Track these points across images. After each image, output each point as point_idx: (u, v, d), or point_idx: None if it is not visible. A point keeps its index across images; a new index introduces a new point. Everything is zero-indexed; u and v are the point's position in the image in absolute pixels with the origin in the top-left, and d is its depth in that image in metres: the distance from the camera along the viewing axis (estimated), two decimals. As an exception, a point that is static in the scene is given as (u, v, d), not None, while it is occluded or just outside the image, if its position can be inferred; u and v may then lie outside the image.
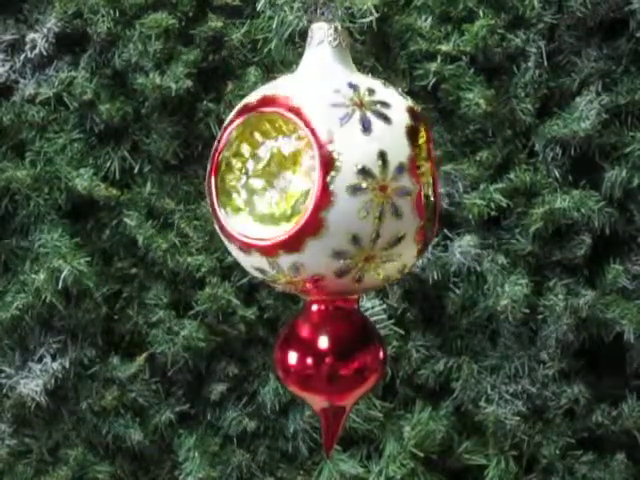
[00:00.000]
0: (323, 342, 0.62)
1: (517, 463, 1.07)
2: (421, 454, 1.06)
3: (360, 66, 0.66)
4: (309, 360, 0.62)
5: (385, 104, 0.60)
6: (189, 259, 1.05)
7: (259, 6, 1.04)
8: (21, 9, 1.07)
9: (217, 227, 0.62)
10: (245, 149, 0.62)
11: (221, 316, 1.06)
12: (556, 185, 1.05)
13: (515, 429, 1.06)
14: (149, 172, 1.07)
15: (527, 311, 1.04)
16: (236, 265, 1.04)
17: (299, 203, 0.59)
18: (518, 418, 1.06)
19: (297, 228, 0.58)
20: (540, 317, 1.05)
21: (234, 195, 0.62)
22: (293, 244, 0.58)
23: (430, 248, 0.99)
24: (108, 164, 1.07)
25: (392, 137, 0.60)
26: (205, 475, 1.06)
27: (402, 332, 1.06)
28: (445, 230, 1.05)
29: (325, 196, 0.57)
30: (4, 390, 1.06)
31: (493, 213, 1.05)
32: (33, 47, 1.05)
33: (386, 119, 0.60)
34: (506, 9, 1.04)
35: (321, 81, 0.62)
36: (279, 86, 0.62)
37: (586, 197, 1.04)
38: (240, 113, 0.61)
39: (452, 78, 1.04)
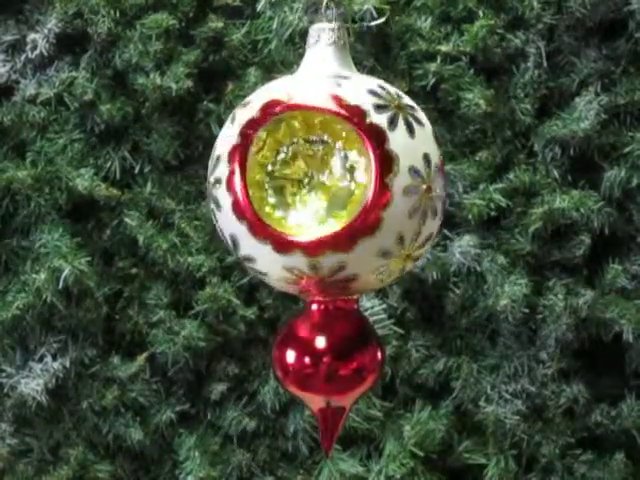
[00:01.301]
0: (322, 342, 0.63)
1: (517, 462, 1.07)
2: (421, 453, 1.06)
3: (360, 66, 0.66)
4: (307, 359, 0.63)
5: (412, 107, 0.63)
6: (189, 259, 1.06)
7: (259, 7, 1.04)
8: (22, 9, 1.07)
9: (246, 226, 0.60)
10: (280, 147, 0.62)
11: (221, 316, 1.06)
12: (555, 185, 1.05)
13: (515, 428, 1.06)
14: (149, 172, 1.07)
15: (527, 311, 1.04)
16: (236, 265, 1.05)
17: (339, 203, 0.60)
18: (518, 417, 1.06)
19: (353, 227, 0.59)
20: (539, 317, 1.05)
21: (269, 192, 0.62)
22: (344, 243, 0.59)
23: (430, 248, 0.99)
24: (109, 164, 1.07)
25: (426, 139, 0.62)
26: (205, 474, 1.06)
27: (402, 332, 1.06)
28: (445, 230, 1.05)
29: (384, 195, 0.59)
30: (5, 389, 1.06)
31: (493, 213, 1.05)
32: (34, 47, 1.05)
33: (419, 122, 0.62)
34: (506, 9, 1.04)
35: (360, 82, 0.63)
36: (313, 85, 0.62)
37: (585, 197, 1.04)
38: (269, 110, 0.61)
39: (452, 78, 1.04)
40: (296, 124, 0.61)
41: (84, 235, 1.07)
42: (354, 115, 0.60)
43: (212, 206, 0.64)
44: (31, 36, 1.05)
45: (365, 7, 1.01)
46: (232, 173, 0.60)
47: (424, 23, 1.04)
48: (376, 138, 0.59)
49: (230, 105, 1.03)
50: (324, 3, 0.65)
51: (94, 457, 1.08)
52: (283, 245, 0.60)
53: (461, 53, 1.04)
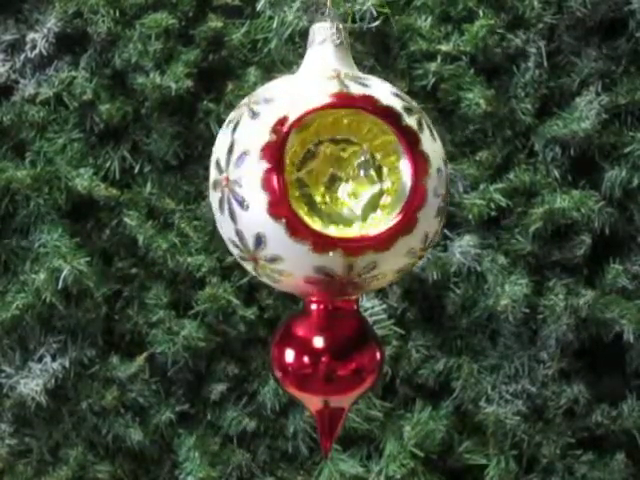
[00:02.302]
0: (321, 342, 0.63)
1: (517, 463, 1.07)
2: (421, 454, 1.06)
3: (360, 66, 0.66)
4: (306, 359, 0.62)
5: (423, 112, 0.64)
6: (189, 259, 1.05)
7: (259, 6, 1.04)
8: (21, 9, 1.07)
9: (285, 225, 0.59)
10: (307, 146, 0.62)
11: (221, 316, 1.06)
12: (556, 185, 1.05)
13: (515, 429, 1.06)
14: (149, 172, 1.07)
15: (527, 311, 1.04)
16: (236, 265, 1.05)
17: (370, 204, 0.61)
18: (518, 418, 1.06)
19: (396, 228, 0.60)
20: (540, 317, 1.05)
21: (302, 191, 0.62)
22: (385, 244, 0.60)
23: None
24: (108, 164, 1.07)
25: (438, 142, 0.64)
26: (205, 475, 1.06)
27: (402, 332, 1.06)
28: (445, 230, 1.05)
29: (422, 196, 0.60)
30: (4, 390, 1.06)
31: (493, 213, 1.05)
32: (33, 47, 1.05)
33: (430, 128, 0.63)
34: (506, 9, 1.04)
35: (381, 85, 0.63)
36: (353, 87, 0.62)
37: (586, 197, 1.04)
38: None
39: (452, 78, 1.04)
40: (326, 123, 0.61)
41: (83, 235, 1.07)
42: (389, 116, 0.60)
43: (230, 205, 0.61)
44: (30, 36, 1.05)
45: (365, 7, 1.01)
46: (269, 171, 0.59)
47: (424, 23, 1.04)
48: (411, 140, 0.61)
49: (230, 105, 1.03)
50: (324, 3, 0.65)
51: (94, 457, 1.08)
52: (323, 245, 0.59)
53: (461, 53, 1.04)
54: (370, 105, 0.61)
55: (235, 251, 0.63)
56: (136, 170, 1.07)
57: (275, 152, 0.59)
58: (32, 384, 1.04)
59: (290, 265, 0.61)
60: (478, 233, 1.05)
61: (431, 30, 1.04)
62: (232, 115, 0.63)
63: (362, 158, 0.62)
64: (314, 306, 0.64)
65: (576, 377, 1.08)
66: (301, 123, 0.60)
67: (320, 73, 0.63)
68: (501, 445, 1.07)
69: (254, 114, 0.61)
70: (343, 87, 0.61)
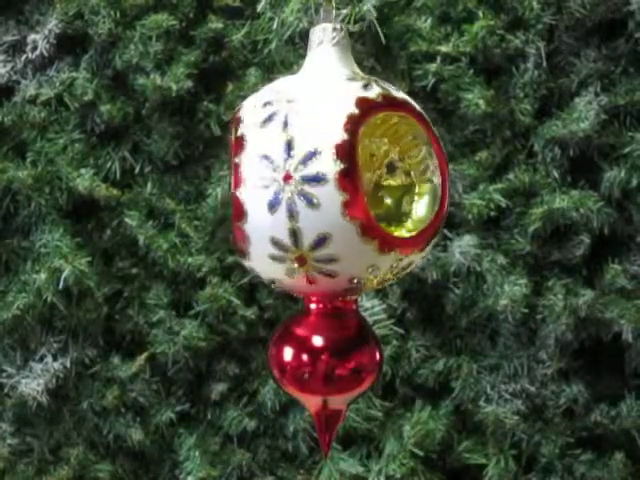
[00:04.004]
0: (320, 341, 0.63)
1: (516, 462, 1.07)
2: (421, 453, 1.06)
3: (360, 66, 0.66)
4: (305, 359, 0.62)
5: None
6: (190, 259, 1.06)
7: (259, 7, 1.04)
8: (22, 10, 1.07)
9: (359, 226, 0.59)
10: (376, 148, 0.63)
11: (221, 316, 1.06)
12: (555, 185, 1.06)
13: (514, 428, 1.06)
14: (150, 172, 1.08)
15: (526, 311, 1.04)
16: (236, 265, 1.05)
17: (409, 203, 0.63)
18: (517, 417, 1.06)
19: (436, 226, 0.62)
20: (539, 317, 1.05)
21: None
22: (426, 242, 0.62)
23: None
24: (109, 164, 1.07)
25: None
26: (205, 474, 1.06)
27: (402, 332, 1.06)
28: (445, 230, 1.05)
29: (446, 196, 0.63)
30: (5, 390, 1.06)
31: (492, 213, 1.05)
32: (34, 48, 1.05)
33: None
34: (505, 10, 1.05)
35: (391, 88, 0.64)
36: (390, 89, 0.63)
37: (585, 197, 1.05)
38: (368, 107, 0.61)
39: (452, 79, 1.04)
40: (374, 124, 0.62)
41: (84, 235, 1.07)
42: (424, 121, 0.62)
43: (292, 203, 0.59)
44: (31, 37, 1.05)
45: (365, 7, 1.01)
46: (345, 171, 0.58)
47: (424, 23, 1.04)
48: (439, 141, 0.63)
49: (230, 105, 1.03)
50: (324, 4, 0.65)
51: (94, 457, 1.08)
52: (388, 245, 0.60)
53: (461, 53, 1.04)
54: (411, 110, 0.62)
55: (272, 250, 0.61)
56: (137, 170, 1.07)
57: (349, 151, 0.58)
58: (33, 384, 1.04)
59: (343, 266, 0.60)
60: (478, 233, 1.05)
61: (431, 31, 1.04)
62: (266, 111, 0.61)
63: (392, 158, 0.63)
64: (313, 306, 0.64)
65: (575, 377, 1.08)
66: (367, 123, 0.60)
67: (339, 73, 0.63)
68: (500, 444, 1.07)
69: (305, 112, 0.60)
70: (382, 89, 0.61)
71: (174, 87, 1.03)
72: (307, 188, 0.58)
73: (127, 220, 1.06)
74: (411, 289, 1.07)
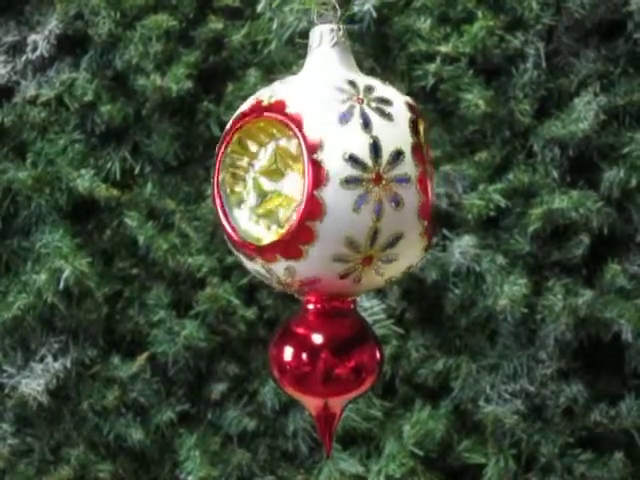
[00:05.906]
0: (319, 340, 0.63)
1: (516, 462, 1.07)
2: (420, 453, 1.06)
3: (360, 67, 0.67)
4: (305, 359, 0.62)
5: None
6: (190, 259, 1.06)
7: (259, 8, 1.04)
8: (22, 11, 1.07)
9: (424, 225, 0.61)
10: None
11: (221, 316, 1.06)
12: (554, 185, 1.06)
13: (514, 428, 1.06)
14: (150, 173, 1.08)
15: (526, 311, 1.04)
16: (236, 265, 1.05)
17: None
18: (517, 417, 1.06)
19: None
20: (539, 317, 1.05)
21: None
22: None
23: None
24: (109, 165, 1.07)
25: None
26: (206, 474, 1.06)
27: (401, 332, 1.06)
28: (444, 230, 1.05)
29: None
30: (6, 390, 1.06)
31: (492, 213, 1.05)
32: (34, 49, 1.05)
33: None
34: (505, 10, 1.05)
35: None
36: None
37: (584, 197, 1.05)
38: (416, 109, 0.62)
39: (451, 79, 1.04)
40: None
41: (84, 236, 1.07)
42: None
43: (380, 204, 0.59)
44: (32, 37, 1.05)
45: (365, 7, 1.01)
46: (423, 173, 0.60)
47: (424, 24, 1.04)
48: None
49: (230, 106, 1.04)
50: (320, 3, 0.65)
51: (95, 457, 1.08)
52: (430, 242, 0.63)
53: (460, 54, 1.04)
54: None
55: (342, 250, 0.60)
56: (137, 171, 1.07)
57: (423, 153, 0.61)
58: (34, 384, 1.04)
59: (400, 265, 0.61)
60: (477, 233, 1.06)
61: (431, 31, 1.04)
62: (337, 109, 0.60)
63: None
64: (311, 306, 0.64)
65: (575, 376, 1.08)
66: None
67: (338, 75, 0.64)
68: (500, 444, 1.07)
69: (383, 113, 0.60)
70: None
71: (174, 87, 1.03)
72: (396, 189, 0.59)
73: (127, 220, 1.06)
74: (410, 289, 1.07)
